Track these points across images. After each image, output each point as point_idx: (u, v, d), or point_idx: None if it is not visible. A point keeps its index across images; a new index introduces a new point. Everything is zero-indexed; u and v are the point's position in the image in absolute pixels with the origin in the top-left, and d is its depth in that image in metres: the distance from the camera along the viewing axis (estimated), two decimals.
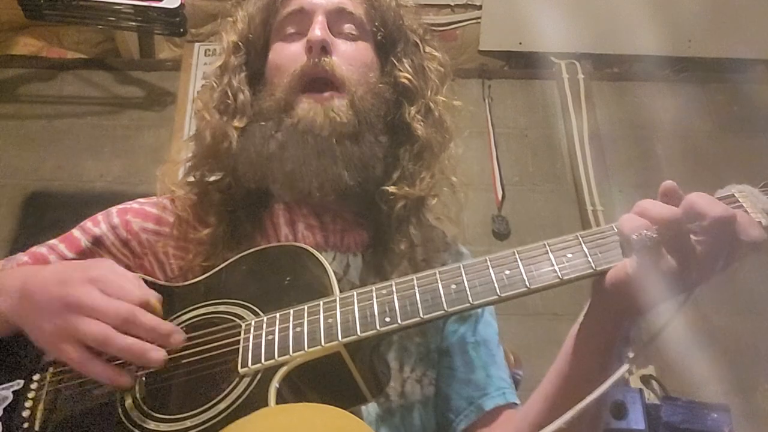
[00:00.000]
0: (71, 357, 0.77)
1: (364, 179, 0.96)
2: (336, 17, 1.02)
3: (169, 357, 0.80)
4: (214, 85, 1.05)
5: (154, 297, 0.81)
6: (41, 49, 3.25)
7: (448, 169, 1.06)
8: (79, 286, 0.78)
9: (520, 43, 3.33)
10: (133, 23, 2.72)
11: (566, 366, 0.81)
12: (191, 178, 1.04)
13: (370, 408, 0.89)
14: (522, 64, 3.39)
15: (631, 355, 0.80)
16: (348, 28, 1.03)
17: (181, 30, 2.69)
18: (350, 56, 1.00)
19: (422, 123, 1.03)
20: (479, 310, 1.03)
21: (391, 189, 0.99)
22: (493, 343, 1.04)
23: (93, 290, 0.77)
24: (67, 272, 0.81)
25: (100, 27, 2.97)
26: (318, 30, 0.98)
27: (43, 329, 0.78)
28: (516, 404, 0.99)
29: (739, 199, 0.74)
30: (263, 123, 0.98)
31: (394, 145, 1.03)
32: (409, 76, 1.04)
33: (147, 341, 0.77)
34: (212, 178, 1.01)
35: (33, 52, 3.24)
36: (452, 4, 3.31)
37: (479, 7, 3.29)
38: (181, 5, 2.60)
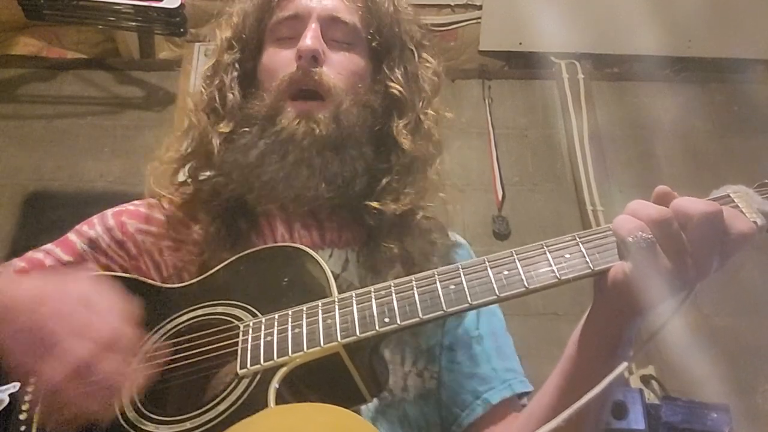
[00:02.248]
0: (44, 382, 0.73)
1: (344, 194, 0.96)
2: (330, 24, 1.01)
3: (168, 359, 0.80)
4: (205, 86, 1.04)
5: (125, 333, 0.74)
6: (41, 49, 3.25)
7: (437, 183, 1.04)
8: (49, 318, 0.72)
9: (520, 43, 3.33)
10: (133, 23, 2.72)
11: (569, 368, 0.81)
12: (181, 177, 1.03)
13: (372, 403, 0.89)
14: (522, 64, 3.39)
15: (630, 353, 0.80)
16: (341, 36, 1.01)
17: (181, 30, 2.69)
18: (341, 66, 0.99)
19: (410, 137, 1.01)
20: None
21: (374, 204, 0.98)
22: (498, 333, 1.04)
23: (59, 324, 0.71)
24: (43, 292, 0.75)
25: (100, 27, 2.97)
26: (309, 39, 0.97)
27: (10, 352, 0.73)
28: (525, 393, 0.99)
29: (735, 199, 0.75)
30: (247, 129, 0.98)
31: (379, 157, 1.01)
32: (400, 88, 1.02)
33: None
34: (203, 176, 1.01)
35: (33, 52, 3.24)
36: (452, 4, 3.31)
37: (479, 7, 3.29)
38: (181, 5, 2.60)
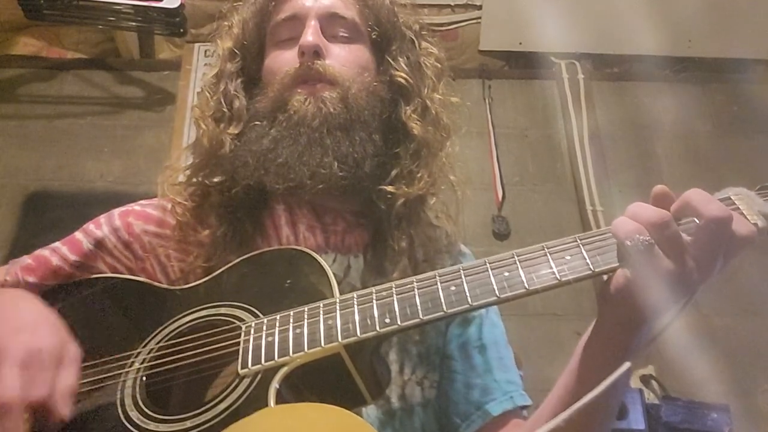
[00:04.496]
0: None
1: (355, 174, 0.96)
2: (329, 21, 1.02)
3: (170, 358, 0.80)
4: (210, 93, 1.05)
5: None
6: (41, 49, 3.25)
7: (447, 167, 1.06)
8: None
9: (520, 43, 3.33)
10: (133, 23, 2.72)
11: (574, 380, 0.80)
12: (192, 182, 1.04)
13: (370, 410, 0.89)
14: (522, 64, 3.39)
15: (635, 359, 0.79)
16: (341, 31, 1.03)
17: (181, 30, 2.69)
18: (344, 58, 1.01)
19: (419, 122, 1.02)
20: (483, 312, 1.03)
21: (389, 188, 0.99)
22: (500, 344, 1.03)
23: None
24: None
25: (100, 27, 2.97)
26: (310, 35, 0.98)
27: None
28: (526, 406, 0.98)
29: (736, 202, 0.75)
30: (258, 123, 0.99)
31: (391, 144, 1.02)
32: (405, 75, 1.03)
33: None
34: (213, 180, 1.01)
35: (33, 52, 3.24)
36: (452, 4, 3.31)
37: (479, 7, 3.29)
38: (181, 5, 2.60)
